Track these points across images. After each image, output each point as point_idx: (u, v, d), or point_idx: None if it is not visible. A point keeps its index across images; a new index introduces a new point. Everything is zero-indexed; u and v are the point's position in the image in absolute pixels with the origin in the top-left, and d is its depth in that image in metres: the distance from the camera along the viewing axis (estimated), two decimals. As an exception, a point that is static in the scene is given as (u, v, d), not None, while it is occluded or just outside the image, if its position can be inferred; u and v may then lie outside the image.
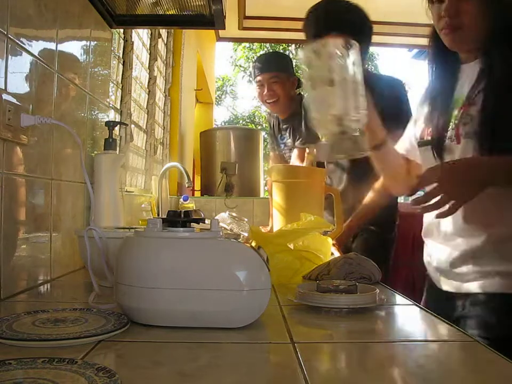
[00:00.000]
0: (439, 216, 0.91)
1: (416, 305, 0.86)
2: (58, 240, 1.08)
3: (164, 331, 0.66)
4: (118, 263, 0.71)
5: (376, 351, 0.63)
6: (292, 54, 10.55)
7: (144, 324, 0.68)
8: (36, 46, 0.95)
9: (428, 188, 0.93)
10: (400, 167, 1.22)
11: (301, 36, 1.58)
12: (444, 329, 0.72)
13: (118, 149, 1.41)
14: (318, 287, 0.86)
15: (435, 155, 1.07)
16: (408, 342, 0.65)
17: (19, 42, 0.88)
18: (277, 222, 1.54)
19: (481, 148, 0.99)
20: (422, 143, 1.14)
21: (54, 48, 1.04)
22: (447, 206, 0.90)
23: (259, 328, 0.69)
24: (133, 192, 1.67)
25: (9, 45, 0.84)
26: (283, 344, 0.63)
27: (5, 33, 0.83)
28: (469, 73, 1.08)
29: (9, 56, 0.84)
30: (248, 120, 13.45)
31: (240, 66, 12.86)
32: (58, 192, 1.08)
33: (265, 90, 2.25)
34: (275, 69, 2.27)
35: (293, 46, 10.40)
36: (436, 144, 1.08)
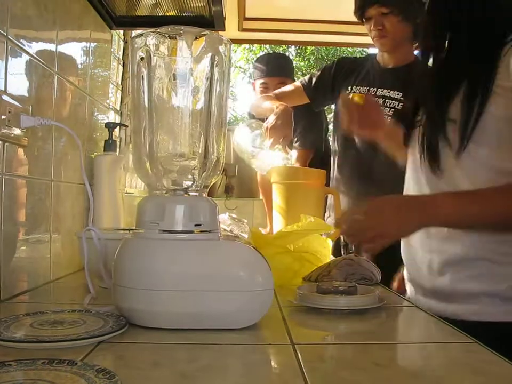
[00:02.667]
0: (366, 251, 0.82)
1: (417, 307, 0.86)
2: (58, 241, 1.08)
3: (163, 332, 0.66)
4: (116, 264, 0.71)
5: (376, 353, 0.63)
6: (292, 55, 10.55)
7: (144, 326, 0.68)
8: (36, 47, 0.95)
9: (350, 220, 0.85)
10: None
11: (301, 37, 1.58)
12: (444, 330, 0.72)
13: (117, 150, 1.41)
14: (317, 288, 0.86)
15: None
16: (408, 343, 0.65)
17: (19, 44, 0.88)
18: (277, 223, 1.54)
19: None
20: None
21: (54, 49, 1.04)
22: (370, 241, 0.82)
23: (259, 329, 0.69)
24: (132, 193, 1.66)
25: (9, 46, 0.84)
26: (283, 345, 0.63)
27: (5, 34, 0.83)
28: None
29: (9, 58, 0.84)
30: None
31: (240, 67, 12.85)
32: (58, 194, 1.08)
33: None
34: (284, 74, 2.26)
35: (293, 47, 10.40)
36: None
